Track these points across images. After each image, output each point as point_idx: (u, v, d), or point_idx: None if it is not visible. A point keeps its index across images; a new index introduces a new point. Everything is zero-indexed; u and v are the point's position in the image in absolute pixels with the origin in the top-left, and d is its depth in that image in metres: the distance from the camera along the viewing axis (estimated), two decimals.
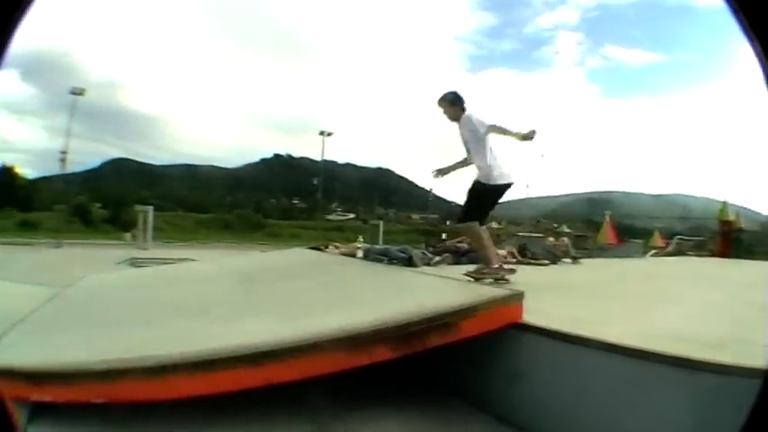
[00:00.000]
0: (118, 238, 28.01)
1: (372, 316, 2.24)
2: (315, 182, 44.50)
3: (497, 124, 3.91)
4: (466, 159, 4.18)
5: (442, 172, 4.35)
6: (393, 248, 6.16)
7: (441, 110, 4.13)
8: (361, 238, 9.77)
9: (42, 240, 24.11)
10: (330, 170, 45.04)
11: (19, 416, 1.95)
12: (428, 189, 49.81)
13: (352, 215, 51.61)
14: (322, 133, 36.81)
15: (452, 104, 4.10)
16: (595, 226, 25.73)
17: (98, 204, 43.96)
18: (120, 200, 42.45)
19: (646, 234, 24.57)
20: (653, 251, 15.92)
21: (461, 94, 4.11)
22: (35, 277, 6.97)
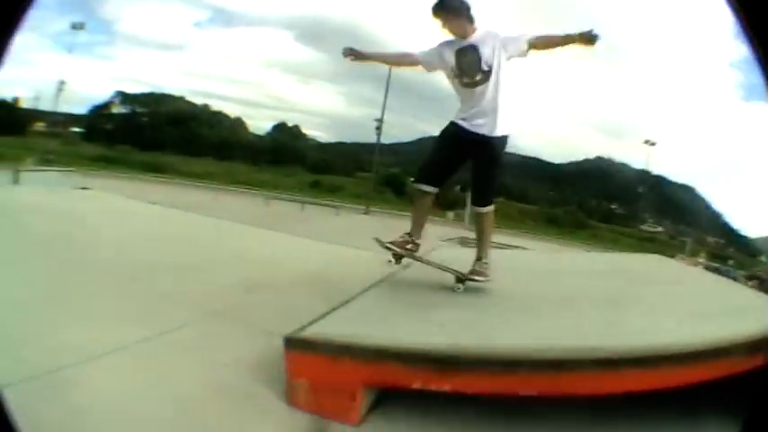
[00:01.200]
0: (439, 216, 27.63)
1: (756, 324, 2.16)
2: (640, 190, 43.70)
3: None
4: (405, 56, 3.08)
5: (357, 54, 3.05)
6: (722, 268, 6.54)
7: (439, 22, 2.86)
8: (703, 254, 10.04)
9: (345, 204, 23.47)
10: (647, 180, 43.97)
11: (363, 401, 1.72)
12: (718, 213, 49.53)
13: (661, 228, 51.41)
14: (647, 142, 36.30)
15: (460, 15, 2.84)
16: None
17: (411, 178, 42.18)
18: None
19: None
20: None
21: None
22: (353, 242, 6.31)
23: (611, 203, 54.38)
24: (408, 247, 2.92)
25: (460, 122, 2.88)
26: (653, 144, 36.57)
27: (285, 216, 12.72)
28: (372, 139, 31.98)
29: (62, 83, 31.37)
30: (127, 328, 2.13)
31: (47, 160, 21.47)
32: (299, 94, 63.14)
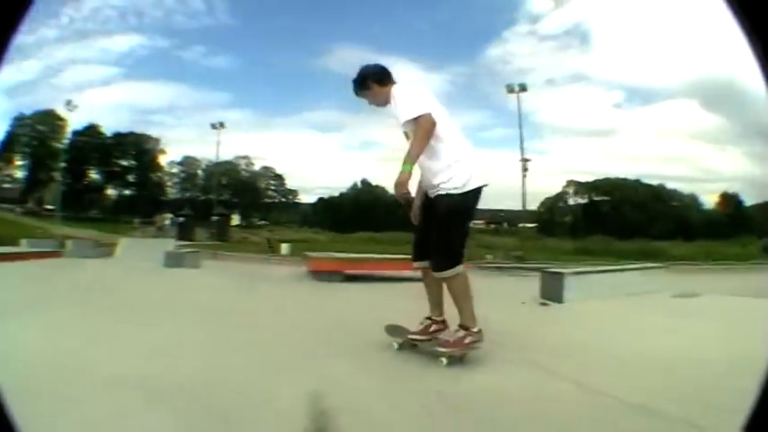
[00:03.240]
0: None
1: None
2: None
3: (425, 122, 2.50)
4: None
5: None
6: None
7: (365, 99, 2.88)
8: None
9: None
10: None
11: None
12: None
13: None
14: None
15: (382, 84, 2.80)
16: None
17: None
18: None
19: None
20: None
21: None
22: None
23: None
24: (431, 329, 2.81)
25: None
26: None
27: None
28: None
29: (526, 163, 27.10)
30: None
31: (517, 257, 18.92)
32: (720, 162, 56.88)
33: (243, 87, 50.72)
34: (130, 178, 43.91)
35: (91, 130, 41.42)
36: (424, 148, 2.51)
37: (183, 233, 25.76)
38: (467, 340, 2.61)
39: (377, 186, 41.27)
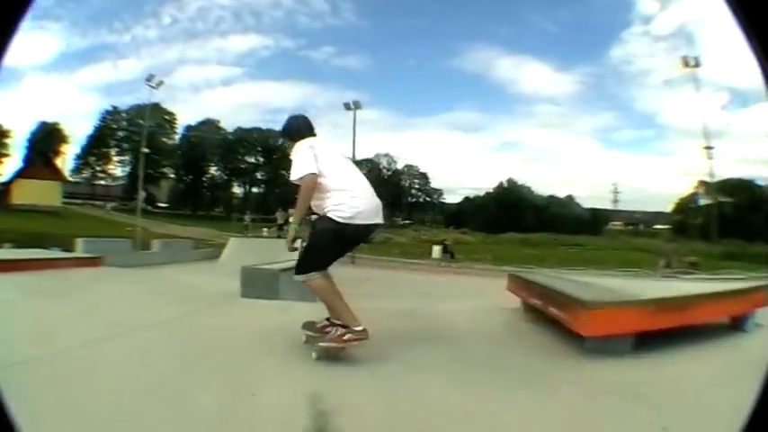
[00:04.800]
0: None
1: None
2: None
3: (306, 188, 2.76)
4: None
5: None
6: None
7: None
8: None
9: None
10: None
11: None
12: None
13: None
14: None
15: (291, 139, 3.05)
16: None
17: None
18: None
19: None
20: None
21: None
22: None
23: None
24: (326, 329, 2.88)
25: None
26: None
27: None
28: None
29: (710, 152, 25.59)
30: None
31: (692, 263, 16.82)
32: None
33: (377, 87, 49.07)
34: (259, 175, 41.91)
35: (207, 126, 39.10)
36: (307, 207, 2.81)
37: None
38: (345, 336, 2.74)
39: (522, 186, 40.29)
